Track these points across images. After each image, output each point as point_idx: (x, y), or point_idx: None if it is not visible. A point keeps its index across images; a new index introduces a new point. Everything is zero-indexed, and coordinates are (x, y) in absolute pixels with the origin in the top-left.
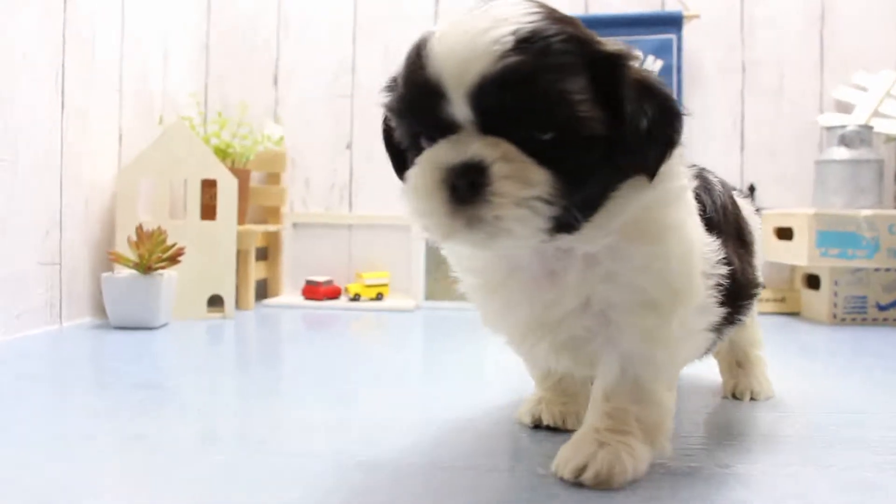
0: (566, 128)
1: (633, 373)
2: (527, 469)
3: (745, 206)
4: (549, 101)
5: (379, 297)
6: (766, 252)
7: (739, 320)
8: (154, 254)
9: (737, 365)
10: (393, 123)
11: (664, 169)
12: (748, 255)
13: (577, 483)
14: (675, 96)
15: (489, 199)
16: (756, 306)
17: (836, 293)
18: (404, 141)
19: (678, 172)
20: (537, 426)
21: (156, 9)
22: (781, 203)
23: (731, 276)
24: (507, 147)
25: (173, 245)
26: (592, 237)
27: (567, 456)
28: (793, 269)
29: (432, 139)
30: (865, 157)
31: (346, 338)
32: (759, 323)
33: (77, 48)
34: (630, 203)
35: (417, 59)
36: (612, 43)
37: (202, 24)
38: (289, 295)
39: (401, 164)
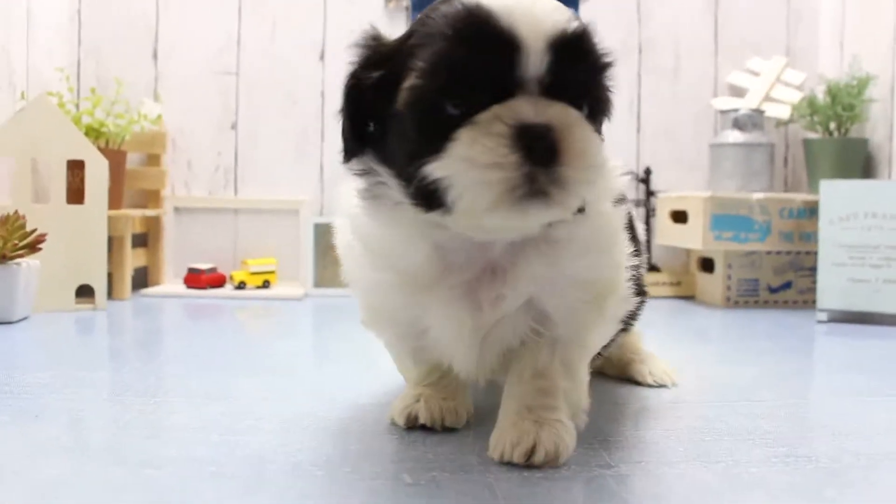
0: (598, 105)
1: (562, 353)
2: (392, 476)
3: (633, 216)
4: (600, 74)
5: (266, 284)
6: (663, 236)
7: (632, 323)
8: (10, 241)
9: (631, 361)
10: (418, 82)
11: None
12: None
13: (527, 465)
14: None
15: (570, 160)
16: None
17: (729, 276)
18: (417, 103)
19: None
20: (411, 427)
21: None
22: (679, 186)
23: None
24: (576, 113)
25: (33, 231)
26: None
27: (510, 440)
28: (688, 252)
29: (472, 102)
30: (757, 140)
31: (228, 328)
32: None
33: None
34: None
35: (479, 19)
36: None
37: None
38: (170, 284)
39: (359, 130)
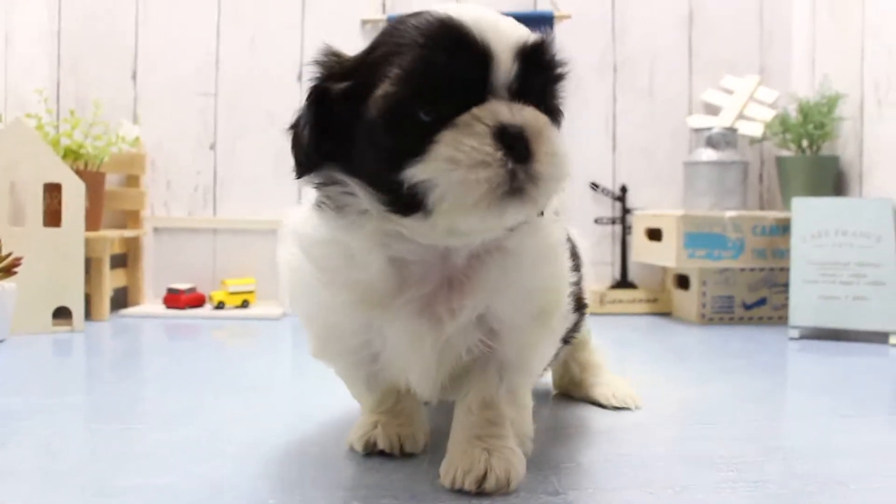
0: (556, 111)
1: (508, 380)
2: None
3: (573, 232)
4: (559, 82)
5: (245, 304)
6: (639, 253)
7: (574, 336)
8: None
9: (594, 384)
10: (393, 90)
11: None
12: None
13: (478, 492)
14: None
15: (545, 159)
16: (586, 325)
17: (704, 293)
18: (393, 109)
19: None
20: (369, 454)
21: None
22: (655, 204)
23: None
24: (544, 117)
25: (8, 255)
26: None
27: (462, 467)
28: (664, 269)
29: (446, 107)
30: (731, 158)
31: (206, 348)
32: (602, 349)
33: None
34: None
35: (451, 30)
36: None
37: (52, 9)
38: (150, 304)
39: (319, 139)
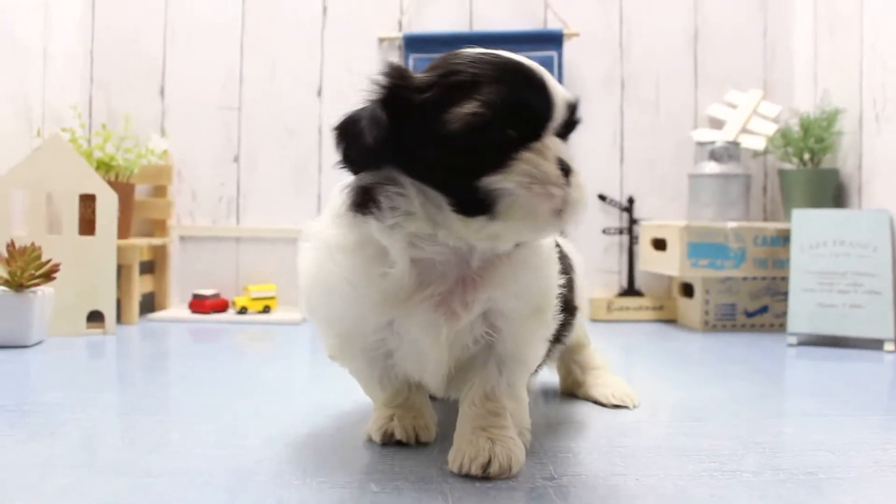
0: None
1: (507, 374)
2: (360, 485)
3: (566, 245)
4: (577, 128)
5: (266, 309)
6: (645, 262)
7: (565, 335)
8: (27, 270)
9: (594, 384)
10: (481, 111)
11: None
12: (569, 283)
13: (483, 476)
14: None
15: (580, 190)
16: (579, 329)
17: (707, 301)
18: (479, 126)
19: None
20: (386, 443)
21: (34, 13)
22: (661, 215)
23: (563, 294)
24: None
25: (48, 261)
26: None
27: (469, 455)
28: (670, 278)
29: (523, 133)
30: (734, 171)
31: (229, 351)
32: (600, 352)
33: None
34: None
35: (527, 73)
36: None
37: (86, 31)
38: (176, 309)
39: (385, 140)
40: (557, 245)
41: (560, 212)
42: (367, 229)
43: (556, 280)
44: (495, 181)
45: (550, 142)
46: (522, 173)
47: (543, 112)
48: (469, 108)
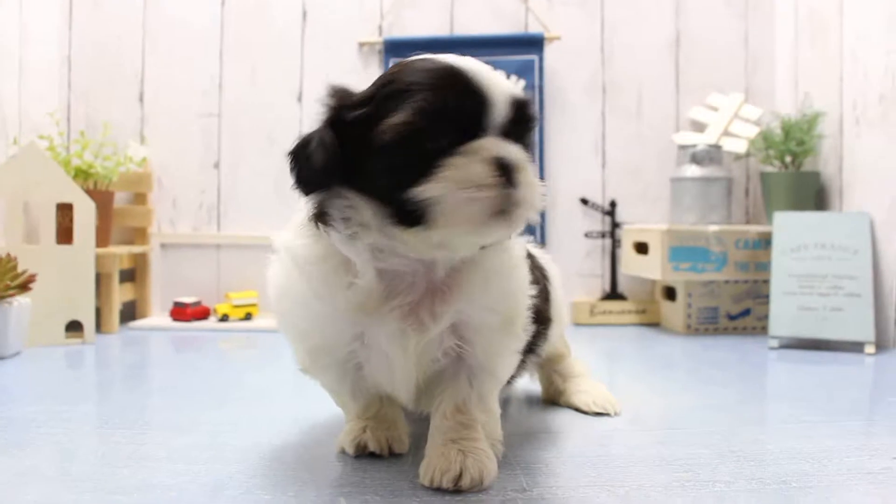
0: (529, 150)
1: (477, 386)
2: (330, 499)
3: (542, 256)
4: (533, 127)
5: (248, 317)
6: (627, 266)
7: (538, 346)
8: (2, 281)
9: (575, 392)
10: (409, 119)
11: None
12: (543, 294)
13: (455, 489)
14: None
15: (527, 188)
16: (558, 340)
17: (690, 304)
18: (407, 136)
19: None
20: (360, 455)
21: (10, 20)
22: (644, 218)
23: (535, 305)
24: (524, 153)
25: (24, 272)
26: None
27: (440, 467)
28: (653, 282)
29: (452, 138)
30: (715, 174)
31: (210, 359)
32: (581, 360)
33: None
34: None
35: (459, 76)
36: None
37: (64, 38)
38: (157, 317)
39: (332, 159)
40: (530, 256)
41: (503, 212)
42: (329, 240)
43: (526, 289)
44: (425, 190)
45: (487, 143)
46: (449, 178)
47: (475, 114)
48: (398, 118)
